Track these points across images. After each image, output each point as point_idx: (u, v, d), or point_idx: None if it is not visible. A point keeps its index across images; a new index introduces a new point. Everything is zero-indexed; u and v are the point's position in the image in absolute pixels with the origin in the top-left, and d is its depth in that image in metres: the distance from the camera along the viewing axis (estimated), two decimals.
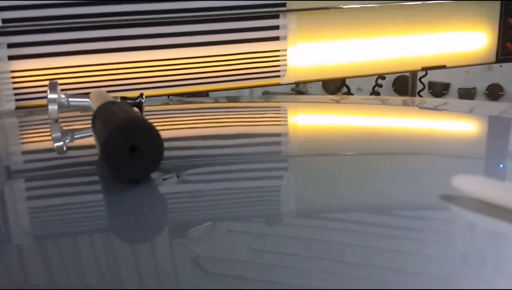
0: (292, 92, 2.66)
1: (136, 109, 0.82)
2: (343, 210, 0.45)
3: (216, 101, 1.20)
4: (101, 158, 0.43)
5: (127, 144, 0.42)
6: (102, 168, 0.48)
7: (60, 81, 1.13)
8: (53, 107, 0.78)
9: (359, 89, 2.64)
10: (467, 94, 3.08)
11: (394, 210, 0.45)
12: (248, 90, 1.51)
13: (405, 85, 2.07)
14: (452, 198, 0.41)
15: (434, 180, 0.53)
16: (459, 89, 3.09)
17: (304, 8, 1.26)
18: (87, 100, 0.78)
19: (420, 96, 1.92)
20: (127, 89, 1.20)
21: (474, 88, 3.07)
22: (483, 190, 0.38)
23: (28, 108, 1.14)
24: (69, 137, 0.75)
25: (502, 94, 3.04)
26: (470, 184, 0.39)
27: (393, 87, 3.00)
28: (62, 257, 0.36)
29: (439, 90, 3.08)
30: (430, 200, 0.45)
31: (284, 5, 1.26)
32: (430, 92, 3.03)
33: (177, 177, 0.47)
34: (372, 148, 0.68)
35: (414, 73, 1.73)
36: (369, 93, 2.02)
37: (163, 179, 0.45)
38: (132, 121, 0.43)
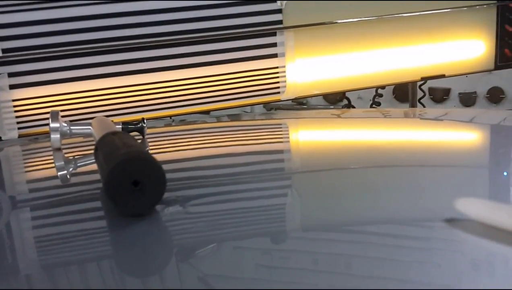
0: (293, 103, 2.67)
1: (137, 133, 0.83)
2: (349, 223, 0.46)
3: (218, 121, 1.21)
4: (104, 192, 0.43)
5: (129, 179, 0.42)
6: (106, 198, 0.49)
7: (62, 108, 1.15)
8: (55, 136, 0.79)
9: (359, 98, 2.65)
10: (468, 98, 3.08)
11: (401, 222, 0.45)
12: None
13: (405, 92, 2.07)
14: (458, 210, 0.41)
15: (439, 192, 0.53)
16: (460, 94, 3.09)
17: (301, 25, 1.27)
18: (89, 127, 0.79)
19: (421, 103, 1.93)
20: (129, 112, 1.20)
21: (475, 92, 3.07)
22: (487, 209, 0.39)
23: (31, 135, 1.14)
24: (72, 166, 0.76)
25: (503, 97, 3.04)
26: (475, 204, 0.39)
27: (393, 94, 3.00)
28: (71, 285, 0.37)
29: (439, 95, 3.08)
30: (435, 212, 0.46)
31: (280, 22, 1.26)
32: (431, 98, 3.03)
33: (182, 208, 0.47)
34: (376, 162, 0.68)
35: None
36: (369, 101, 2.02)
37: (167, 211, 0.46)
38: (134, 156, 0.43)
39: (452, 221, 0.41)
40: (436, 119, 1.08)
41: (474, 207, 0.38)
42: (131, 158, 0.43)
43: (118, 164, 0.42)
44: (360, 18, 1.32)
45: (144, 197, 0.43)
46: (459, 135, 0.91)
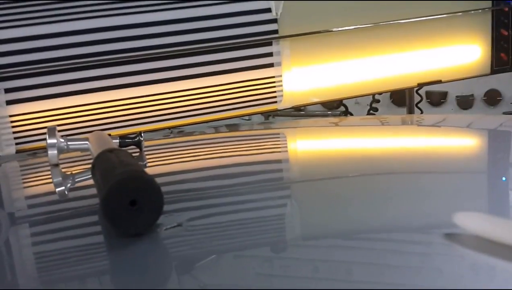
0: (290, 109, 2.67)
1: (134, 145, 0.83)
2: (349, 231, 0.46)
3: (217, 131, 1.21)
4: (101, 213, 0.43)
5: (126, 200, 0.42)
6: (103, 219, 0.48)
7: (59, 122, 1.14)
8: (52, 152, 0.79)
9: (357, 103, 2.65)
10: (465, 101, 3.08)
11: (400, 229, 0.46)
12: None
13: (403, 96, 2.07)
14: (458, 217, 0.41)
15: (438, 198, 0.53)
16: (457, 97, 3.10)
17: (296, 34, 1.27)
18: (86, 142, 0.79)
19: (419, 107, 1.93)
20: (127, 125, 1.20)
21: (472, 95, 3.08)
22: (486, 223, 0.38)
23: (29, 151, 1.14)
24: (70, 181, 0.75)
25: (500, 99, 3.04)
26: (474, 219, 0.39)
27: (391, 99, 3.01)
28: None
29: (437, 99, 3.09)
30: (435, 219, 0.46)
31: (276, 32, 1.27)
32: (428, 102, 3.03)
33: (180, 225, 0.47)
34: (375, 170, 0.68)
35: None
36: (367, 106, 2.03)
37: (165, 229, 0.45)
38: (130, 175, 0.43)
39: (451, 228, 0.41)
40: (434, 125, 1.08)
41: (473, 222, 0.38)
42: (127, 178, 0.43)
43: (114, 185, 0.42)
44: (356, 26, 1.32)
45: (142, 217, 0.43)
46: (457, 142, 0.91)
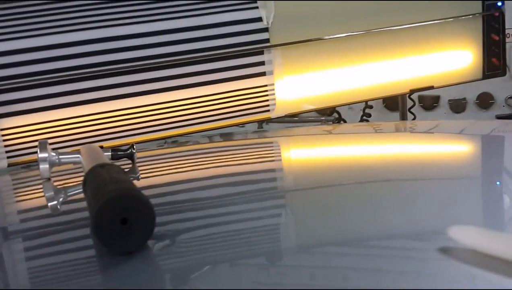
0: (285, 116, 2.67)
1: (127, 158, 0.83)
2: (344, 238, 0.46)
3: (211, 141, 1.21)
4: (92, 232, 0.43)
5: (117, 218, 0.42)
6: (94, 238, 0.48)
7: (51, 135, 1.14)
8: (44, 166, 0.78)
9: (350, 108, 2.65)
10: (457, 105, 3.09)
11: (395, 236, 0.46)
12: None
13: (395, 101, 2.08)
14: (452, 225, 0.41)
15: (432, 205, 0.53)
16: (450, 100, 3.11)
17: (288, 43, 1.27)
18: (78, 156, 0.78)
19: (411, 112, 1.93)
20: (120, 136, 1.19)
21: (464, 99, 3.09)
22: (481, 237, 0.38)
23: (21, 164, 1.13)
24: (62, 195, 0.75)
25: (493, 102, 3.06)
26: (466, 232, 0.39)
27: (383, 103, 3.02)
28: None
29: (429, 103, 3.10)
30: (430, 225, 0.46)
31: (267, 40, 1.26)
32: (421, 106, 3.04)
33: (172, 242, 0.47)
34: (369, 177, 0.68)
35: None
36: (360, 112, 2.03)
37: (157, 245, 0.45)
38: (120, 193, 0.43)
39: (445, 236, 0.41)
40: (427, 132, 1.08)
41: (468, 235, 0.38)
42: (118, 196, 0.42)
43: (105, 204, 0.42)
44: (347, 33, 1.33)
45: (133, 235, 0.43)
46: (451, 148, 0.91)
